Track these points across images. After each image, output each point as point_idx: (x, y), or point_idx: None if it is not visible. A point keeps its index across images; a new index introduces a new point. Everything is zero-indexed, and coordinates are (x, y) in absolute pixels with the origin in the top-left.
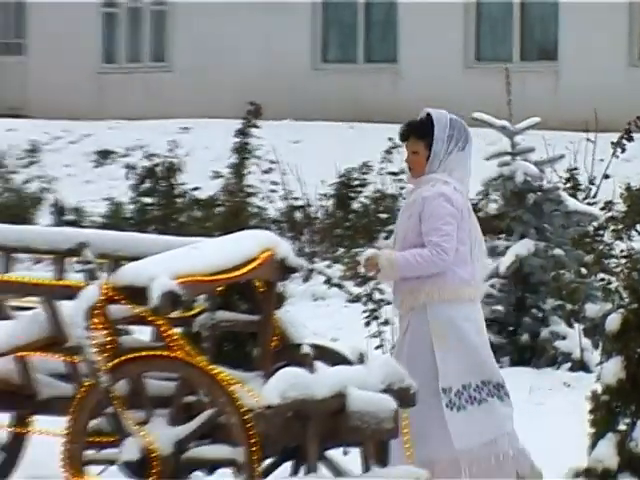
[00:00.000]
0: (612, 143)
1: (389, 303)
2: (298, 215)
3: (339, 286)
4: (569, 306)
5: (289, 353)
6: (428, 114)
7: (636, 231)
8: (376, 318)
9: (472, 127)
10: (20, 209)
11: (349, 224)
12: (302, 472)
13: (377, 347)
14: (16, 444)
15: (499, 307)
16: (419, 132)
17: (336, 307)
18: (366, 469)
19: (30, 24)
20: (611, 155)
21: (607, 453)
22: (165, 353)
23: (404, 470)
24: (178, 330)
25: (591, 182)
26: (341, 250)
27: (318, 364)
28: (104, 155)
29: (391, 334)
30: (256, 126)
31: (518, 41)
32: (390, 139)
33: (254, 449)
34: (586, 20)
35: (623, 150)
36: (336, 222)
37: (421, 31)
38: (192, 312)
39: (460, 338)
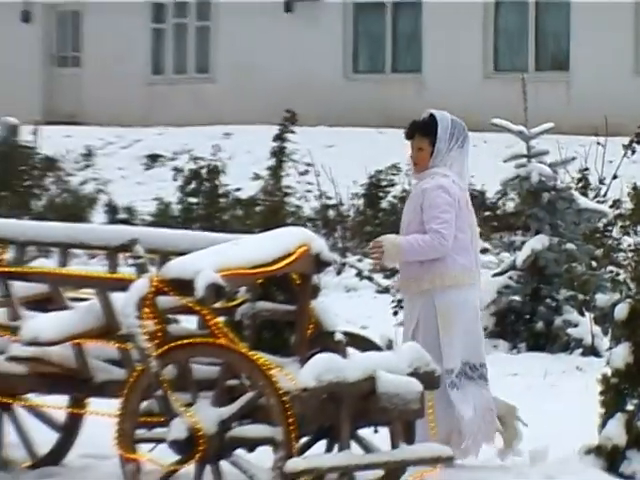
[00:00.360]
0: (624, 146)
1: None
2: (331, 213)
3: (369, 278)
4: (581, 296)
5: (323, 340)
6: (431, 114)
7: None
8: (402, 307)
9: (491, 132)
10: (76, 208)
11: (378, 221)
12: (335, 449)
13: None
14: (73, 424)
15: (516, 297)
16: (424, 130)
17: (366, 298)
18: (394, 446)
19: (85, 39)
20: (622, 157)
21: (616, 431)
22: (210, 340)
23: (429, 447)
24: (221, 319)
25: (601, 182)
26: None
27: (350, 350)
28: (153, 159)
29: None
30: (292, 132)
31: (533, 53)
32: None
33: (291, 428)
34: (595, 34)
35: (633, 152)
36: (366, 220)
37: (443, 44)
38: (234, 302)
39: (461, 322)
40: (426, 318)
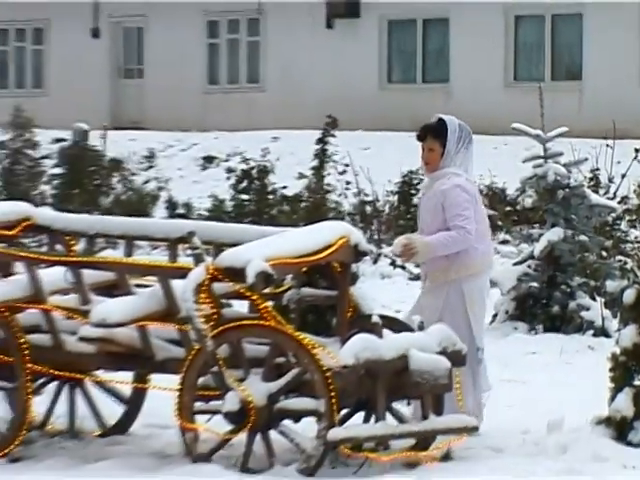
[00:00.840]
0: (635, 150)
1: None
2: (368, 209)
3: (402, 267)
4: (592, 283)
5: (361, 322)
6: (440, 119)
7: None
8: (423, 296)
9: (511, 135)
10: (140, 205)
11: (410, 216)
12: (372, 420)
13: None
14: (137, 398)
15: (534, 284)
16: (435, 132)
17: (400, 284)
18: (424, 417)
19: (147, 53)
20: (632, 159)
21: (624, 404)
22: (260, 322)
23: (456, 418)
24: (270, 303)
25: (610, 180)
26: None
27: (385, 331)
28: (209, 160)
29: None
30: (333, 135)
31: (549, 64)
32: None
33: (333, 401)
34: (605, 48)
35: None
36: (399, 214)
37: (468, 56)
38: (281, 289)
39: (481, 305)
40: (454, 304)
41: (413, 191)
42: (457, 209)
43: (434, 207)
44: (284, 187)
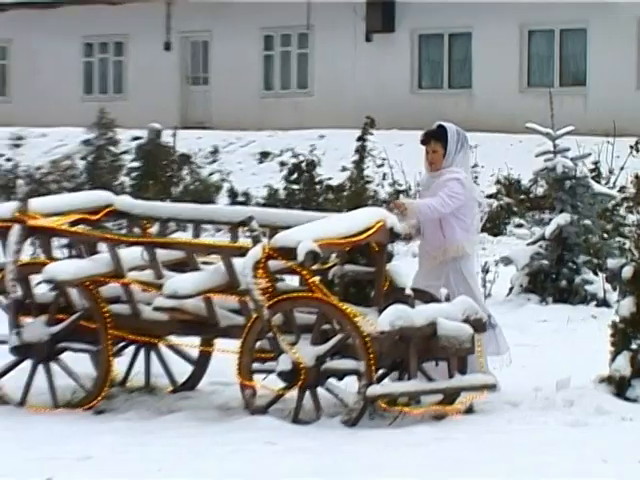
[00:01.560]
0: (630, 147)
1: None
2: (401, 197)
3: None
4: (595, 260)
5: (396, 294)
6: (440, 125)
7: None
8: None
9: (525, 134)
10: (206, 193)
11: None
12: (405, 379)
13: None
14: (203, 359)
15: (545, 261)
16: (438, 136)
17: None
18: (450, 376)
19: (212, 63)
20: (629, 154)
21: (623, 365)
22: (309, 294)
23: (477, 377)
24: (317, 278)
25: (610, 172)
26: None
27: (417, 302)
28: (264, 155)
29: None
30: (371, 134)
31: (558, 72)
32: None
33: (372, 362)
34: (606, 58)
35: (638, 150)
36: None
37: (488, 65)
38: (327, 265)
39: (477, 280)
40: (455, 281)
41: None
42: (448, 190)
43: (436, 192)
44: (329, 178)
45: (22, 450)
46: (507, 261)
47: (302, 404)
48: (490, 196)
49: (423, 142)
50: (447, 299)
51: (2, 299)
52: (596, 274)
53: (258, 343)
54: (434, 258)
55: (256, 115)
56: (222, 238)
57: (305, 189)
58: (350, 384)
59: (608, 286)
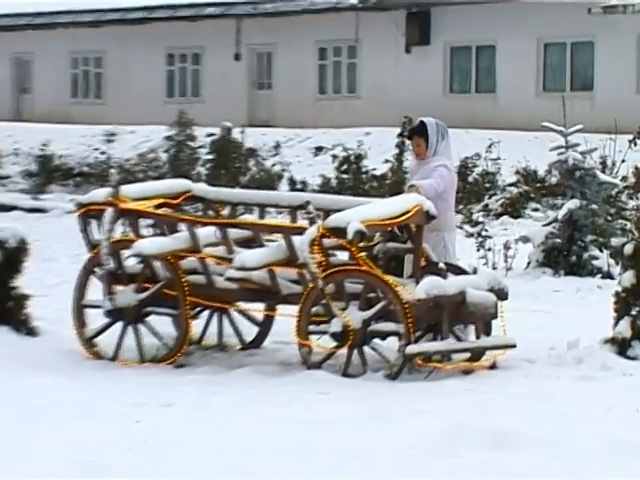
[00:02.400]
0: (629, 141)
1: (491, 237)
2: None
3: (460, 227)
4: (601, 239)
5: (431, 268)
6: (421, 121)
7: None
8: (482, 247)
9: (541, 131)
10: (269, 182)
11: (466, 190)
12: (438, 339)
13: (484, 264)
14: (267, 322)
15: (558, 240)
16: (420, 132)
17: (459, 240)
18: (477, 337)
19: (275, 71)
20: (627, 148)
21: (624, 328)
22: (356, 267)
23: (500, 338)
24: (364, 254)
25: (613, 164)
26: (461, 206)
27: (448, 274)
28: (319, 149)
29: (492, 257)
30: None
31: (569, 79)
32: (490, 139)
33: (410, 325)
34: (610, 66)
35: (635, 144)
36: (458, 189)
37: (510, 73)
38: (372, 243)
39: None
40: (438, 247)
41: (468, 172)
42: (438, 174)
43: (426, 177)
44: (374, 169)
45: (116, 397)
46: (525, 240)
47: (351, 360)
48: (510, 184)
49: (409, 137)
50: (474, 272)
51: (98, 270)
52: (601, 251)
53: (314, 308)
54: (428, 231)
55: (312, 115)
56: (283, 219)
57: (353, 178)
58: (391, 344)
59: (612, 261)
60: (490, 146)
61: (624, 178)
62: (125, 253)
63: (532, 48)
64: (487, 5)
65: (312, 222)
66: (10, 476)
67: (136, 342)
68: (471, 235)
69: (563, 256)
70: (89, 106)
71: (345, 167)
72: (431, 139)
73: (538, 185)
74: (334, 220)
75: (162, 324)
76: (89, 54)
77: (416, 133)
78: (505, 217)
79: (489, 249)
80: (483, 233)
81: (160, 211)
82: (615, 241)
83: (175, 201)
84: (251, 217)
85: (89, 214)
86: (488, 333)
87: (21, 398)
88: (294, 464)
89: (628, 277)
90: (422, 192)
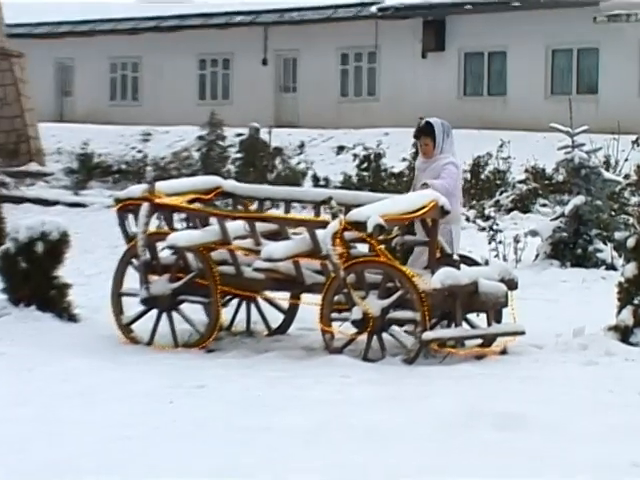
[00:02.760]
0: (632, 142)
1: (502, 231)
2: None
3: (473, 221)
4: (605, 233)
5: (445, 259)
6: (427, 121)
7: None
8: (493, 240)
9: (549, 132)
10: (294, 179)
11: (479, 187)
12: (452, 326)
13: (495, 256)
14: (292, 310)
15: (564, 234)
16: (427, 131)
17: (472, 233)
18: (489, 324)
19: (299, 75)
20: (630, 148)
21: (627, 317)
22: (376, 259)
23: (510, 325)
24: (383, 246)
25: (616, 163)
26: (473, 202)
27: (462, 265)
28: (340, 149)
29: (503, 249)
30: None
31: (575, 83)
32: (501, 139)
33: (426, 313)
34: (613, 71)
35: (638, 144)
36: (472, 185)
37: (520, 77)
38: (391, 236)
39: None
40: (458, 236)
41: (480, 170)
42: (447, 173)
43: (435, 173)
44: (392, 167)
45: (151, 379)
46: (534, 233)
47: (370, 346)
48: (520, 182)
49: (416, 137)
50: (486, 263)
51: (134, 261)
52: (605, 244)
53: (336, 297)
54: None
55: (334, 116)
56: (307, 214)
57: (373, 175)
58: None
59: (615, 254)
60: (501, 146)
61: (627, 176)
62: (160, 245)
63: (541, 54)
64: (498, 14)
65: (334, 216)
66: (52, 451)
67: (170, 328)
68: (483, 229)
69: (569, 249)
70: (126, 108)
71: (365, 165)
72: (438, 138)
73: (546, 182)
74: (355, 214)
75: (194, 311)
76: (126, 59)
77: (423, 133)
78: (515, 212)
79: (500, 242)
80: (494, 227)
81: (192, 206)
82: (618, 235)
83: (206, 196)
84: (277, 212)
85: (126, 209)
86: (499, 321)
87: (64, 379)
88: (317, 443)
89: (630, 268)
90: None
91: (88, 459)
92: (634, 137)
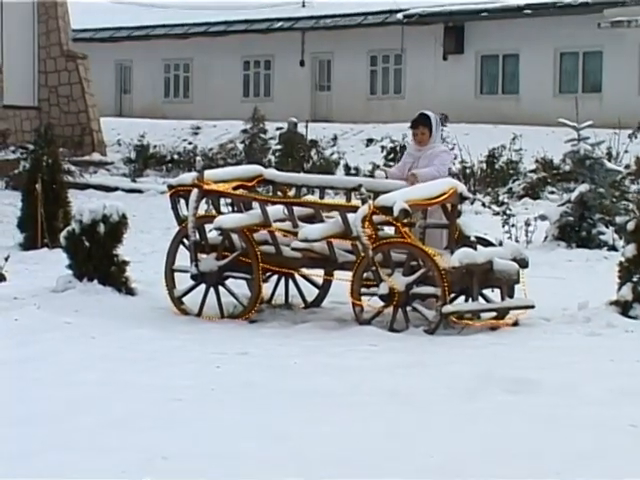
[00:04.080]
0: (628, 135)
1: (514, 215)
2: (468, 171)
3: (488, 207)
4: (607, 218)
5: (464, 240)
6: (423, 113)
7: None
8: (507, 223)
9: (557, 127)
10: (328, 168)
11: (494, 176)
12: (469, 301)
13: (508, 238)
14: (326, 285)
15: (570, 218)
16: (424, 122)
17: (487, 217)
18: (502, 299)
19: (334, 75)
20: (629, 140)
21: (626, 293)
22: (401, 240)
23: (521, 300)
24: (407, 228)
25: (618, 154)
26: (489, 189)
27: (478, 246)
28: (370, 141)
29: (515, 232)
30: (445, 125)
31: (581, 82)
32: (514, 133)
33: (446, 289)
34: (616, 72)
35: (636, 137)
36: (487, 175)
37: (531, 77)
38: (415, 219)
39: None
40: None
41: (495, 160)
42: (440, 160)
43: (429, 160)
44: None
45: (199, 346)
46: (543, 218)
47: (396, 318)
48: (531, 171)
49: (413, 127)
50: (500, 244)
51: (185, 241)
52: (607, 227)
53: (365, 274)
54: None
55: (364, 112)
56: (339, 199)
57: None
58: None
59: (616, 236)
60: (514, 139)
61: (627, 166)
62: (208, 227)
63: (550, 56)
64: (512, 20)
65: (364, 202)
66: (113, 411)
67: (217, 301)
68: (497, 213)
69: (575, 231)
70: (178, 104)
71: (392, 156)
72: (434, 129)
73: (554, 172)
74: (382, 200)
75: (238, 286)
76: (179, 61)
77: (421, 124)
78: (526, 198)
79: (513, 225)
80: (507, 212)
81: (237, 192)
82: (619, 219)
83: (249, 183)
84: (312, 197)
85: (178, 194)
86: (511, 296)
87: (123, 346)
88: (348, 404)
89: (630, 249)
90: (419, 179)
91: (144, 418)
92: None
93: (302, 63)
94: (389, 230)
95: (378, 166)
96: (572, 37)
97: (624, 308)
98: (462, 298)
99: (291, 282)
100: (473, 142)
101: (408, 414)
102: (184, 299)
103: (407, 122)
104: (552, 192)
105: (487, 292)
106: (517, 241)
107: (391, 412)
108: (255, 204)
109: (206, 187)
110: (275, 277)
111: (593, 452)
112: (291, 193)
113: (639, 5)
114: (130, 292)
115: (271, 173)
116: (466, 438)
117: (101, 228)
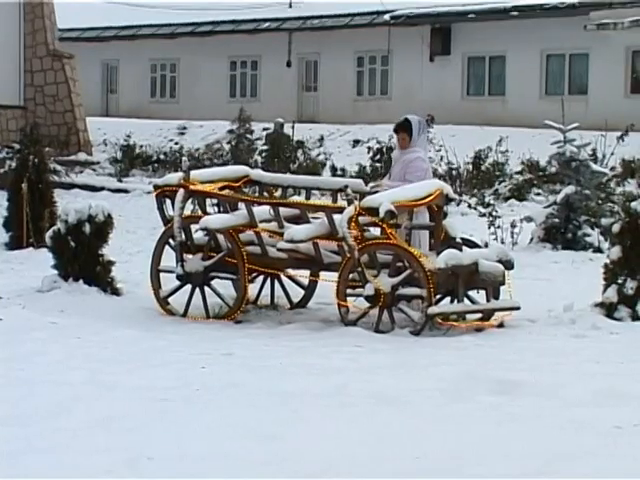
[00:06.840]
0: (617, 138)
1: (500, 217)
2: (454, 172)
3: (474, 208)
4: (592, 220)
5: (449, 242)
6: (406, 118)
7: (627, 182)
8: (492, 225)
9: (544, 129)
10: (314, 169)
11: (479, 177)
12: (455, 302)
13: (494, 239)
14: (311, 286)
15: (556, 220)
16: (405, 127)
17: (472, 218)
18: (487, 300)
19: (320, 76)
20: (616, 143)
21: (612, 295)
22: (387, 241)
23: (507, 301)
24: (393, 229)
25: (604, 156)
26: (475, 190)
27: (464, 247)
28: (356, 142)
29: (501, 233)
30: (432, 127)
31: (567, 84)
32: (500, 135)
33: (431, 290)
34: (602, 74)
35: (623, 140)
36: (473, 176)
37: (518, 79)
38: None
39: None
40: (424, 220)
41: (481, 162)
42: (413, 169)
43: (404, 166)
44: None
45: (185, 347)
46: (529, 219)
47: (381, 319)
48: (517, 173)
49: (395, 131)
50: (485, 245)
51: (171, 241)
52: (593, 229)
53: (351, 275)
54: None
55: (350, 113)
56: (326, 200)
57: (385, 166)
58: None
59: (601, 238)
60: (500, 141)
61: (613, 168)
62: (194, 227)
63: (536, 58)
64: (499, 22)
65: (350, 203)
66: (98, 410)
67: (202, 301)
68: (483, 215)
69: (561, 233)
70: (165, 104)
71: (378, 157)
72: (414, 134)
73: (540, 173)
74: (368, 201)
75: (224, 287)
76: (165, 61)
77: (402, 128)
78: (512, 200)
79: (498, 227)
80: (493, 213)
81: (223, 192)
82: (604, 221)
83: (236, 184)
84: (299, 198)
85: (164, 194)
86: (497, 297)
87: (108, 346)
88: (334, 406)
89: (615, 251)
90: (383, 188)
91: (129, 419)
92: (619, 133)
93: (289, 64)
94: (375, 231)
95: (374, 186)
96: (558, 39)
97: (609, 310)
98: (448, 299)
99: (277, 283)
100: (459, 143)
101: (393, 415)
102: (170, 299)
103: (393, 123)
104: (538, 194)
105: (473, 293)
106: (503, 242)
107: (376, 413)
108: (241, 205)
109: (192, 187)
110: (261, 278)
111: (577, 453)
112: (277, 194)
113: (625, 7)
114: (116, 292)
115: (257, 174)
116: (451, 439)
117: (87, 228)
